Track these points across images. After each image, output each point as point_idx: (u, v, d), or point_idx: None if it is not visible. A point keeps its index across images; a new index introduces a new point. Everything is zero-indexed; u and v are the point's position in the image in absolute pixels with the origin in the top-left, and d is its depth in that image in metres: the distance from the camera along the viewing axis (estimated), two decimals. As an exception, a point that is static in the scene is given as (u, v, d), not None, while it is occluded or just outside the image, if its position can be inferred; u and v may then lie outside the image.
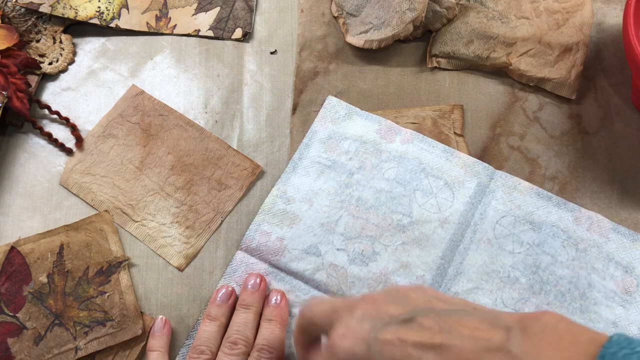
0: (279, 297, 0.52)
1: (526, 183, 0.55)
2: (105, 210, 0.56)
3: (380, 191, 0.55)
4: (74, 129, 0.58)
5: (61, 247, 0.54)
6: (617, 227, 0.54)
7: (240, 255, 0.54)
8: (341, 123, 0.58)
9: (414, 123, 0.58)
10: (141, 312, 0.53)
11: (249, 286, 0.52)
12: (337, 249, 0.53)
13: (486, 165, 0.56)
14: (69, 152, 0.58)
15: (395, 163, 0.55)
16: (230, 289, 0.52)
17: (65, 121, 0.59)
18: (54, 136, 0.58)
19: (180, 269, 0.55)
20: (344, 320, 0.35)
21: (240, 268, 0.54)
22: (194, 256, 0.55)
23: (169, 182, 0.57)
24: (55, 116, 0.59)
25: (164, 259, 0.55)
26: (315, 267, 0.53)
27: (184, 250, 0.55)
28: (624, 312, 0.51)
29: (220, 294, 0.52)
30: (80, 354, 0.51)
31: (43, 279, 0.53)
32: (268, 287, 0.53)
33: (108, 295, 0.52)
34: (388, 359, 0.30)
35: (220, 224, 0.56)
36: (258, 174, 0.57)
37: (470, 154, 0.57)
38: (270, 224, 0.55)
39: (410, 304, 0.33)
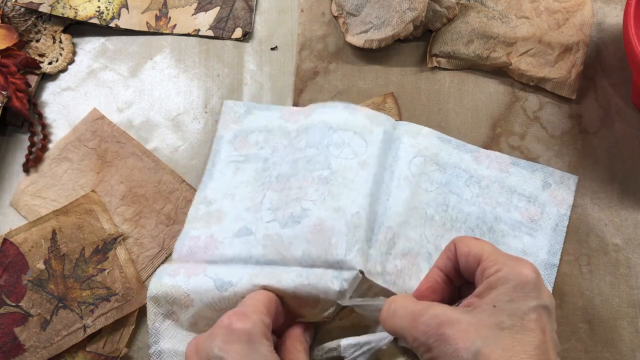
0: None
1: (427, 128, 0.57)
2: (93, 191, 0.56)
3: (296, 161, 0.54)
4: (41, 148, 0.58)
5: (53, 232, 0.54)
6: (516, 160, 0.56)
7: (175, 265, 0.52)
8: (243, 120, 0.58)
9: None
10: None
11: None
12: (267, 222, 0.52)
13: (387, 116, 0.57)
14: (26, 170, 0.57)
15: (304, 135, 0.55)
16: None
17: (43, 137, 0.58)
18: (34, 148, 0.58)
19: None
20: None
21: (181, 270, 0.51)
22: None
23: (117, 213, 0.56)
24: (47, 122, 0.59)
25: None
26: (249, 246, 0.51)
27: None
28: (531, 240, 0.53)
29: None
30: (89, 331, 0.52)
31: (40, 265, 0.53)
32: (215, 281, 0.49)
33: (108, 272, 0.53)
34: None
35: (164, 260, 0.55)
36: None
37: None
38: (197, 229, 0.53)
39: None
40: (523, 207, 0.54)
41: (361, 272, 0.48)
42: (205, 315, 0.50)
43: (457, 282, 0.43)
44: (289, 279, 0.48)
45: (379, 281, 0.49)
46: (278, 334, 0.47)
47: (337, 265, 0.48)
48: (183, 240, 0.53)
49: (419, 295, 0.43)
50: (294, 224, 0.51)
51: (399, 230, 0.51)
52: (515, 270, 0.38)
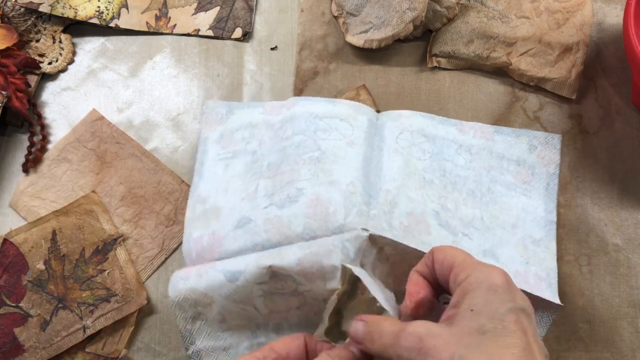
0: None
1: (407, 111, 0.57)
2: (93, 191, 0.56)
3: (284, 148, 0.55)
4: (40, 148, 0.58)
5: (54, 233, 0.54)
6: (499, 128, 0.58)
7: (186, 268, 0.53)
8: (227, 121, 0.58)
9: None
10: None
11: None
12: (265, 207, 0.52)
13: (369, 107, 0.58)
14: (25, 171, 0.57)
15: (289, 124, 0.56)
16: None
17: (42, 137, 0.58)
18: (33, 148, 0.58)
19: None
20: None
21: (191, 275, 0.52)
22: None
23: (117, 214, 0.56)
24: (47, 122, 0.59)
25: None
26: (252, 234, 0.51)
27: None
28: (527, 200, 0.55)
29: None
30: (89, 332, 0.52)
31: (40, 266, 0.53)
32: (225, 273, 0.50)
33: (108, 273, 0.53)
34: None
35: (164, 261, 0.55)
36: None
37: None
38: (197, 228, 0.53)
39: None
40: (514, 171, 0.56)
41: (364, 229, 0.49)
42: (231, 309, 0.51)
43: (438, 290, 0.43)
44: (292, 252, 0.49)
45: (388, 235, 0.49)
46: None
47: (338, 230, 0.49)
48: (188, 246, 0.53)
49: (413, 313, 0.43)
50: (291, 204, 0.51)
51: (398, 192, 0.52)
52: (485, 275, 0.39)
